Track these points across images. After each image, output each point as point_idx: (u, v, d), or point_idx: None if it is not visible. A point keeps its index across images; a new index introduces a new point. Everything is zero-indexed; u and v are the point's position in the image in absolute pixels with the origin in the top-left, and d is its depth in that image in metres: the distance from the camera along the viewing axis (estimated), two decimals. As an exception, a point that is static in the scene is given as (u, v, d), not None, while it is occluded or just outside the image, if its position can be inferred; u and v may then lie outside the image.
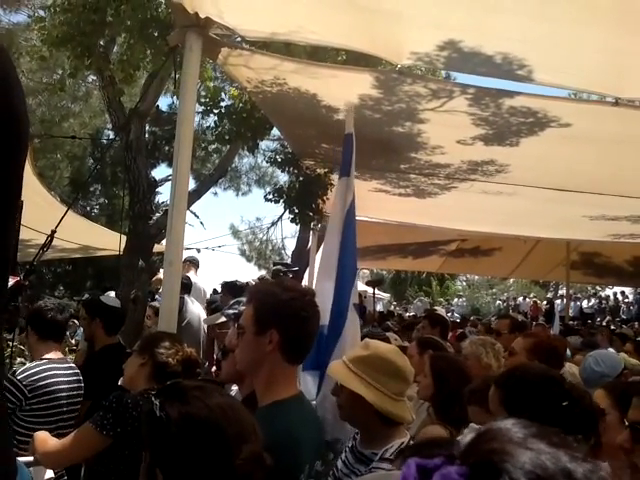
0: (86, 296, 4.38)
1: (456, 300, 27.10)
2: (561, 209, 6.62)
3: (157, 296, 6.59)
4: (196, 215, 12.15)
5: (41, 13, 6.77)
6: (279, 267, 6.55)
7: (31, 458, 2.39)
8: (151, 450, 1.33)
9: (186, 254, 6.99)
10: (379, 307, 16.92)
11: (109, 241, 8.48)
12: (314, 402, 2.81)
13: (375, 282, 12.22)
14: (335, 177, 5.71)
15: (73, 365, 3.45)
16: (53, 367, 3.18)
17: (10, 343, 3.62)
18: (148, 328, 5.61)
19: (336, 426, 2.63)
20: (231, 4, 3.02)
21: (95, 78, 9.01)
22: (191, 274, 6.63)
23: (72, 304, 10.92)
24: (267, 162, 7.26)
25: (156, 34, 4.97)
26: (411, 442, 2.16)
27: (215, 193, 17.15)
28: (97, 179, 17.17)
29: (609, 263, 11.68)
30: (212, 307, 5.55)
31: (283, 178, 9.99)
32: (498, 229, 8.87)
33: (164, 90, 7.78)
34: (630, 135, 4.15)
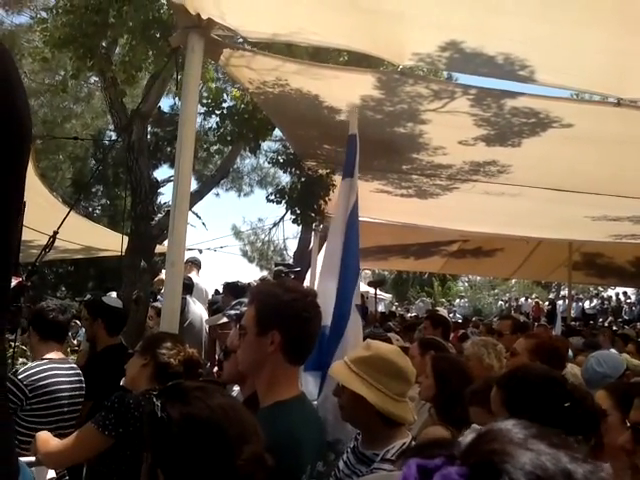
0: (88, 297, 4.38)
1: (458, 301, 27.07)
2: (563, 210, 6.62)
3: (159, 297, 6.60)
4: (198, 216, 12.19)
5: (43, 14, 6.78)
6: (281, 268, 6.56)
7: (33, 458, 2.39)
8: (153, 451, 1.33)
9: (188, 255, 6.99)
10: (381, 308, 16.90)
11: (111, 242, 8.51)
12: (315, 402, 2.81)
13: (377, 283, 12.20)
14: (337, 178, 5.73)
15: (74, 365, 3.45)
16: (54, 367, 3.19)
17: (12, 344, 3.62)
18: (150, 329, 5.62)
19: (337, 427, 2.63)
20: (233, 5, 3.02)
21: (97, 79, 9.02)
22: (193, 275, 6.64)
23: (74, 305, 10.94)
24: (269, 163, 7.26)
25: (158, 35, 4.98)
26: (413, 443, 2.16)
27: (217, 194, 17.18)
28: (99, 180, 17.20)
29: (611, 264, 11.67)
30: (213, 308, 5.55)
31: (285, 179, 10.02)
32: (500, 230, 8.86)
33: (166, 91, 7.80)
34: (632, 135, 4.15)
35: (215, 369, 4.40)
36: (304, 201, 5.86)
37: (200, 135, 7.97)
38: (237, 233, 17.12)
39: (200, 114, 6.30)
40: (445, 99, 3.98)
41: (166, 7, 4.95)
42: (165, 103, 16.41)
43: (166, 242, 3.52)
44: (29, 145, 0.72)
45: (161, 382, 2.29)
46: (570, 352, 5.91)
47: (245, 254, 18.07)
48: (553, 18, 2.82)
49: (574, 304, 18.36)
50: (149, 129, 9.25)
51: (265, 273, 14.69)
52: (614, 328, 12.68)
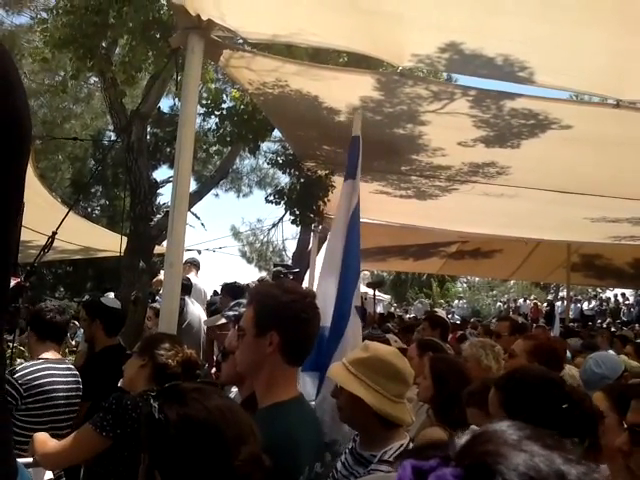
0: (86, 297, 4.38)
1: (456, 302, 27.08)
2: (562, 211, 6.63)
3: (158, 297, 6.59)
4: (197, 216, 12.18)
5: (43, 15, 6.79)
6: (280, 269, 6.55)
7: (30, 459, 2.39)
8: (150, 452, 1.33)
9: (187, 255, 6.99)
10: (379, 309, 16.91)
11: (110, 242, 8.49)
12: (313, 403, 2.81)
13: (376, 284, 12.21)
14: (336, 179, 5.73)
15: (71, 366, 3.45)
16: (50, 367, 3.18)
17: (10, 344, 3.62)
18: (148, 329, 5.61)
19: (334, 427, 2.63)
20: (233, 6, 3.02)
21: (97, 80, 9.03)
22: (192, 275, 6.63)
23: (72, 305, 10.93)
24: (268, 164, 7.26)
25: (158, 36, 4.99)
26: (411, 444, 2.16)
27: (216, 194, 17.17)
28: (98, 180, 17.20)
29: (610, 265, 11.67)
30: (212, 309, 5.55)
31: (284, 180, 9.99)
32: (499, 231, 8.87)
33: (166, 92, 7.81)
34: (631, 137, 4.15)
35: (213, 370, 4.40)
36: (303, 202, 5.87)
37: (199, 136, 7.97)
38: (236, 234, 17.12)
39: (200, 115, 6.31)
40: (444, 100, 3.98)
41: (166, 8, 4.96)
42: (165, 104, 16.45)
43: (165, 243, 3.53)
44: (29, 146, 0.73)
45: (159, 383, 2.29)
46: (568, 353, 5.91)
47: (244, 255, 18.07)
48: (553, 19, 2.83)
49: (572, 305, 18.36)
50: (148, 130, 9.25)
51: (264, 274, 14.69)
52: (612, 329, 12.68)
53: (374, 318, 10.42)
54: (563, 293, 20.37)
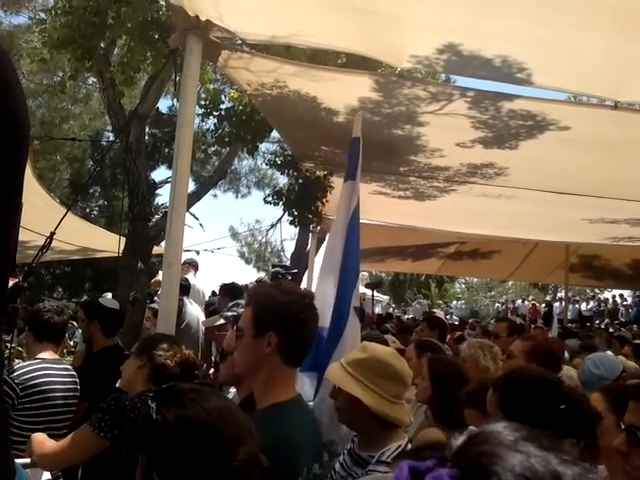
0: (85, 298, 4.38)
1: (455, 303, 27.10)
2: (560, 212, 6.64)
3: (156, 298, 6.59)
4: (195, 217, 12.16)
5: (42, 15, 6.78)
6: (278, 269, 6.55)
7: (28, 460, 2.39)
8: (148, 453, 1.33)
9: (185, 256, 6.99)
10: (378, 309, 16.91)
11: (108, 243, 8.49)
12: (311, 403, 2.81)
13: (374, 284, 12.19)
14: (335, 179, 5.73)
15: (69, 367, 3.45)
16: (46, 367, 3.18)
17: (8, 345, 3.62)
18: (147, 330, 5.61)
19: (331, 428, 2.63)
20: (231, 7, 3.02)
21: (95, 80, 9.02)
22: (190, 276, 6.63)
23: (71, 305, 10.92)
24: (267, 164, 7.24)
25: (156, 37, 4.99)
26: (409, 445, 2.16)
27: (214, 195, 17.17)
28: (97, 181, 17.19)
29: (608, 266, 11.69)
30: (210, 309, 5.54)
31: (282, 180, 9.98)
32: (497, 232, 8.88)
33: (164, 92, 7.79)
34: (629, 138, 4.16)
35: (211, 371, 4.40)
36: (301, 203, 5.87)
37: (198, 136, 7.96)
38: (234, 234, 17.12)
39: (198, 115, 6.30)
40: (443, 101, 3.99)
41: (165, 9, 4.96)
42: (163, 104, 16.42)
43: (163, 243, 3.53)
44: (27, 146, 0.72)
45: (157, 384, 2.29)
46: (566, 354, 5.92)
47: (242, 255, 18.08)
48: (551, 20, 2.84)
49: (571, 306, 18.39)
50: (147, 130, 9.24)
51: (262, 275, 14.69)
52: (610, 330, 12.70)
53: (372, 319, 10.42)
54: (561, 294, 20.41)
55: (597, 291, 22.77)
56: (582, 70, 3.31)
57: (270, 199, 6.05)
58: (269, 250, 16.51)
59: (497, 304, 27.07)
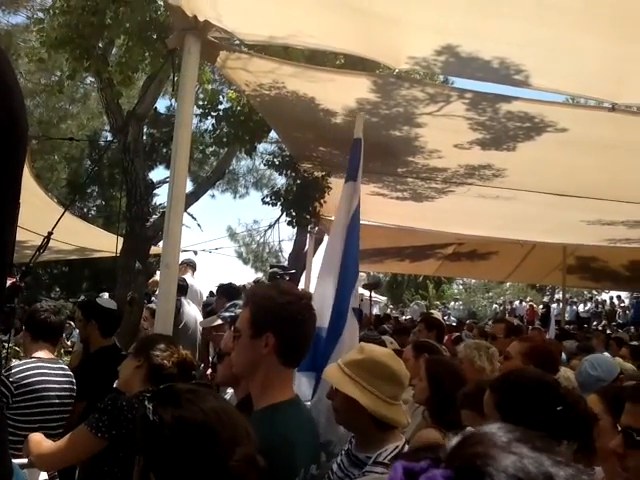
0: (82, 298, 4.37)
1: (452, 304, 27.12)
2: (558, 214, 6.64)
3: (154, 298, 6.59)
4: (193, 217, 12.17)
5: (40, 15, 6.77)
6: (276, 270, 6.56)
7: (25, 460, 2.38)
8: (145, 454, 1.33)
9: (183, 256, 6.99)
10: (376, 310, 16.92)
11: (106, 243, 8.48)
12: (308, 403, 2.81)
13: (372, 285, 12.20)
14: (333, 180, 5.73)
15: (64, 366, 3.44)
16: (41, 366, 3.18)
17: (5, 345, 3.61)
18: (144, 330, 5.60)
19: (329, 428, 2.63)
20: (230, 7, 3.02)
21: (93, 80, 9.03)
22: (188, 276, 6.63)
23: (68, 305, 10.90)
24: (265, 165, 7.25)
25: (155, 37, 4.98)
26: (406, 446, 2.16)
27: (212, 195, 17.20)
28: (94, 181, 17.18)
29: (605, 267, 11.70)
30: (207, 310, 5.54)
31: (280, 181, 9.99)
32: (495, 233, 8.89)
33: (162, 92, 7.80)
34: (626, 140, 4.17)
35: (209, 371, 4.39)
36: (299, 203, 5.87)
37: (196, 137, 7.97)
38: (232, 235, 17.14)
39: (196, 116, 6.30)
40: (441, 103, 3.99)
41: (163, 9, 4.95)
42: (161, 104, 16.43)
43: (161, 243, 3.52)
44: (25, 146, 0.73)
45: (155, 384, 2.29)
46: (564, 355, 5.93)
47: (240, 256, 18.11)
48: (549, 22, 2.84)
49: (568, 307, 18.41)
50: (145, 130, 9.25)
51: (260, 275, 14.68)
52: (608, 332, 12.73)
53: (370, 320, 10.43)
54: (559, 295, 20.41)
55: (595, 292, 22.82)
56: (580, 72, 3.32)
57: (268, 199, 6.04)
58: (267, 250, 16.53)
59: (495, 305, 27.09)
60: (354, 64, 4.99)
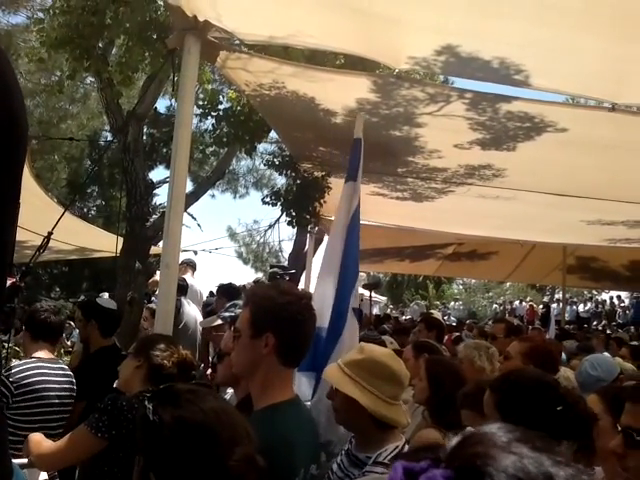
0: (82, 298, 4.37)
1: (452, 303, 27.12)
2: (558, 213, 6.64)
3: (153, 298, 6.59)
4: (193, 217, 12.16)
5: (40, 15, 6.77)
6: (276, 270, 6.56)
7: (25, 460, 2.38)
8: (145, 454, 1.33)
9: (183, 256, 6.99)
10: (376, 310, 16.92)
11: (106, 243, 8.48)
12: (308, 403, 2.81)
13: (372, 285, 12.22)
14: (332, 180, 5.73)
15: (64, 366, 3.44)
16: (41, 366, 3.19)
17: (5, 345, 3.61)
18: (145, 330, 5.60)
19: (329, 428, 2.63)
20: (230, 7, 3.02)
21: (93, 80, 9.03)
22: (188, 276, 6.63)
23: (68, 305, 10.90)
24: (265, 165, 7.25)
25: (155, 37, 4.98)
26: (406, 446, 2.16)
27: (212, 195, 17.21)
28: (94, 181, 17.19)
29: (605, 267, 11.70)
30: (207, 310, 5.54)
31: (280, 181, 10.00)
32: (495, 233, 8.89)
33: (162, 92, 7.80)
34: (626, 141, 4.17)
35: (208, 371, 4.39)
36: (299, 203, 5.87)
37: (196, 136, 7.97)
38: (232, 235, 17.14)
39: (196, 115, 6.30)
40: (441, 103, 3.99)
41: (163, 9, 4.95)
42: (161, 104, 16.44)
43: (161, 243, 3.52)
44: (25, 146, 0.73)
45: (155, 384, 2.29)
46: (564, 355, 5.94)
47: (240, 256, 18.12)
48: (550, 22, 2.83)
49: (568, 307, 18.41)
50: (145, 130, 9.25)
51: (260, 275, 14.68)
52: (608, 332, 12.73)
53: (370, 320, 10.43)
54: (559, 295, 20.42)
55: (595, 292, 22.82)
56: (580, 72, 3.31)
57: (268, 199, 6.04)
58: (267, 250, 16.54)
59: (495, 305, 27.09)
60: (354, 64, 4.99)
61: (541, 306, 21.93)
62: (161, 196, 15.38)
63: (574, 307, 20.64)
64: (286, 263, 10.12)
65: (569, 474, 0.56)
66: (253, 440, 1.34)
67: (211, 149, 8.54)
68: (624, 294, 20.12)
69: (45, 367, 3.20)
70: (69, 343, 8.90)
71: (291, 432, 1.67)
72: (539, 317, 18.72)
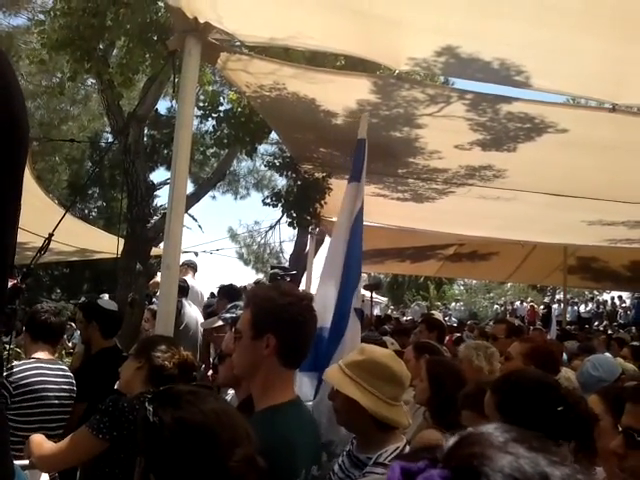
0: (83, 299, 4.37)
1: (453, 304, 27.09)
2: (558, 214, 6.64)
3: (154, 299, 6.59)
4: (194, 218, 12.17)
5: (41, 17, 6.77)
6: (277, 271, 6.56)
7: (27, 461, 2.38)
8: (145, 455, 1.33)
9: (184, 257, 6.99)
10: (376, 311, 16.92)
11: (107, 244, 8.48)
12: (310, 403, 2.81)
13: (373, 286, 12.20)
14: (333, 181, 5.74)
15: (64, 367, 3.44)
16: (40, 366, 3.19)
17: (7, 346, 3.61)
18: (145, 331, 5.60)
19: (330, 428, 2.63)
20: (230, 9, 3.03)
21: (94, 81, 9.03)
22: (189, 277, 6.63)
23: (69, 307, 10.90)
24: (265, 166, 7.26)
25: (155, 38, 4.99)
26: (407, 447, 2.16)
27: (213, 196, 17.21)
28: (95, 182, 17.21)
29: (606, 268, 11.70)
30: (208, 311, 5.54)
31: (281, 182, 10.02)
32: (495, 234, 8.88)
33: (163, 94, 7.81)
34: (627, 141, 4.17)
35: (210, 372, 4.39)
36: (300, 204, 5.87)
37: (197, 138, 7.98)
38: (233, 236, 17.14)
39: (197, 117, 6.31)
40: (441, 104, 3.99)
41: (163, 10, 4.96)
42: (162, 106, 16.47)
43: (162, 244, 3.52)
44: (27, 148, 0.73)
45: (156, 385, 2.29)
46: (565, 356, 5.93)
47: (241, 257, 18.11)
48: (550, 23, 2.83)
49: (569, 308, 18.40)
50: (146, 131, 9.25)
51: (261, 276, 14.68)
52: (609, 332, 12.72)
53: (371, 320, 10.43)
54: (560, 296, 20.41)
55: (596, 293, 22.81)
56: (581, 73, 3.31)
57: (269, 201, 6.05)
58: (268, 251, 16.53)
59: (496, 306, 27.07)
60: (354, 65, 4.99)
61: (542, 307, 21.90)
62: (162, 197, 15.43)
63: (575, 308, 20.63)
64: (287, 264, 10.11)
65: (565, 474, 0.56)
66: (253, 441, 1.34)
67: (212, 150, 8.54)
68: (625, 294, 20.11)
69: (44, 368, 3.20)
70: (70, 345, 8.91)
71: (292, 433, 1.68)
72: (540, 318, 18.70)
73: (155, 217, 8.46)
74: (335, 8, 3.06)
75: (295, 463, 1.64)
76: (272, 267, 8.27)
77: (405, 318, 18.05)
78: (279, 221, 10.66)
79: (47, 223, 3.77)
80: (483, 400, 1.99)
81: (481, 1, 2.83)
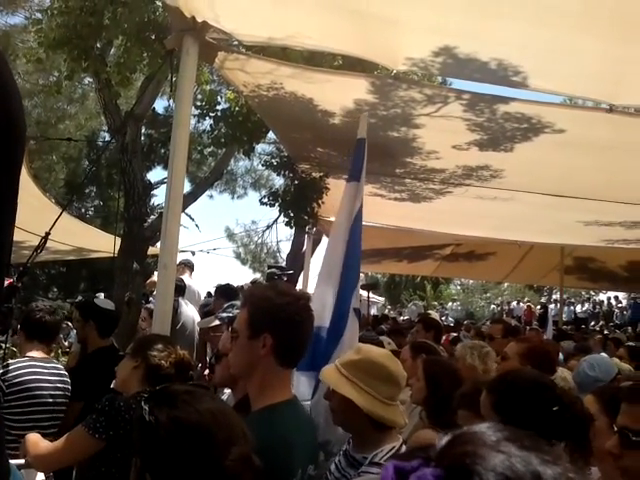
0: (79, 298, 4.36)
1: (450, 304, 27.12)
2: (555, 214, 6.65)
3: (151, 299, 6.58)
4: (191, 218, 12.19)
5: (38, 15, 6.77)
6: (274, 270, 6.57)
7: (22, 461, 2.38)
8: (141, 455, 1.33)
9: (181, 257, 6.98)
10: (373, 311, 16.92)
11: (103, 243, 8.48)
12: (307, 403, 2.81)
13: (370, 286, 12.23)
14: (330, 181, 5.74)
15: (59, 366, 3.44)
16: (34, 365, 3.18)
17: (3, 345, 3.60)
18: (142, 330, 5.60)
19: (327, 428, 2.63)
20: (228, 8, 3.03)
21: (91, 80, 9.02)
22: (186, 277, 6.63)
23: (65, 306, 10.88)
24: (263, 165, 7.25)
25: (153, 37, 4.98)
26: (403, 446, 2.16)
27: (210, 196, 17.20)
28: (92, 181, 17.17)
29: (603, 268, 11.73)
30: (205, 310, 5.54)
31: (278, 181, 10.02)
32: (492, 234, 8.90)
33: (160, 93, 7.79)
34: (624, 142, 4.17)
35: (206, 372, 4.39)
36: (297, 204, 5.87)
37: (194, 137, 7.97)
38: (230, 235, 17.14)
39: (194, 116, 6.30)
40: (438, 104, 4.00)
41: (161, 9, 4.95)
42: (159, 105, 16.40)
43: (159, 244, 3.52)
44: (23, 147, 0.73)
45: (152, 384, 2.28)
46: (561, 356, 5.94)
47: (238, 256, 18.12)
48: (548, 23, 2.84)
49: (566, 308, 18.44)
50: (143, 130, 9.24)
51: (258, 275, 14.69)
52: (605, 332, 12.75)
53: (368, 320, 10.43)
54: (556, 296, 20.47)
55: (592, 293, 22.85)
56: (579, 73, 3.32)
57: (266, 200, 6.04)
58: (265, 251, 16.52)
59: (492, 306, 27.11)
60: (352, 65, 4.99)
61: (539, 307, 21.94)
62: (159, 197, 15.36)
63: (572, 308, 20.67)
64: (284, 264, 10.12)
65: (557, 472, 0.57)
66: (250, 440, 1.34)
67: (209, 150, 8.54)
68: (621, 295, 20.17)
69: (38, 366, 3.19)
70: (67, 344, 8.88)
71: (289, 432, 1.68)
72: (537, 318, 18.72)
73: (152, 216, 8.45)
74: (333, 8, 3.06)
75: (292, 462, 1.64)
76: (269, 267, 8.28)
77: (402, 318, 18.07)
78: (276, 221, 10.63)
79: (44, 222, 3.76)
80: (479, 400, 1.99)
81: (480, 1, 2.83)
